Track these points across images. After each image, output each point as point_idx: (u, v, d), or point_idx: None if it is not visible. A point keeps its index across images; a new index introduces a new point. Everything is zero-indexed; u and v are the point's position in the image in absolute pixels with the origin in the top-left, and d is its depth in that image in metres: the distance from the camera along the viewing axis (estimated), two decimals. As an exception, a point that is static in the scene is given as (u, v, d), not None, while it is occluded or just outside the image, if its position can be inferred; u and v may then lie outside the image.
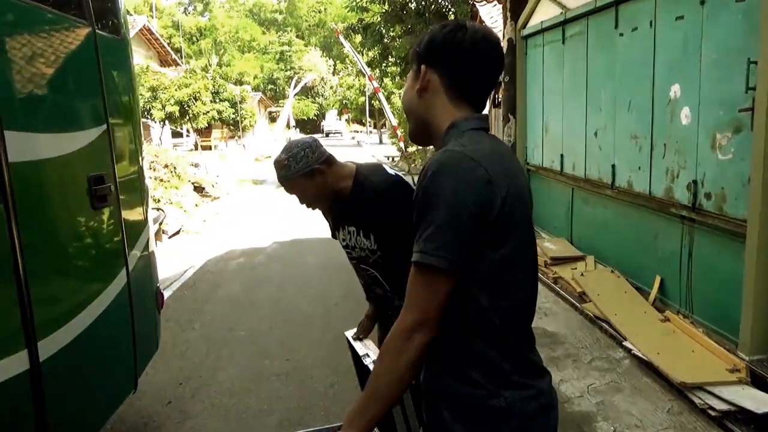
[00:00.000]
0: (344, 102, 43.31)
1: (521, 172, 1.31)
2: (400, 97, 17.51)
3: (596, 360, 3.93)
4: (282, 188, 2.10)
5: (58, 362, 2.03)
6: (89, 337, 2.26)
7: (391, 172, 2.07)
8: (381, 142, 32.97)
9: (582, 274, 5.08)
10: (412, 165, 15.82)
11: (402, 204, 1.93)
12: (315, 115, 50.79)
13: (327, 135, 46.93)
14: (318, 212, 2.24)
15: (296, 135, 41.20)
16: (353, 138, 43.14)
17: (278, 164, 1.98)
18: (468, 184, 1.12)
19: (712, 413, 3.07)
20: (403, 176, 2.08)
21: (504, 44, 7.20)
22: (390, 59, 16.54)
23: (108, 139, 2.50)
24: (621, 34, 4.83)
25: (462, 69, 1.25)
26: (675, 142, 4.06)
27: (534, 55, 6.99)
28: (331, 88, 50.83)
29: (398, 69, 16.25)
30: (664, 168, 4.23)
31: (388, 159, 21.35)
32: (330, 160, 2.01)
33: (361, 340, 2.20)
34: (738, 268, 3.46)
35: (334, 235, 2.21)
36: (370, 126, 39.62)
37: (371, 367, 2.01)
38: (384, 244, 2.00)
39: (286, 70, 49.58)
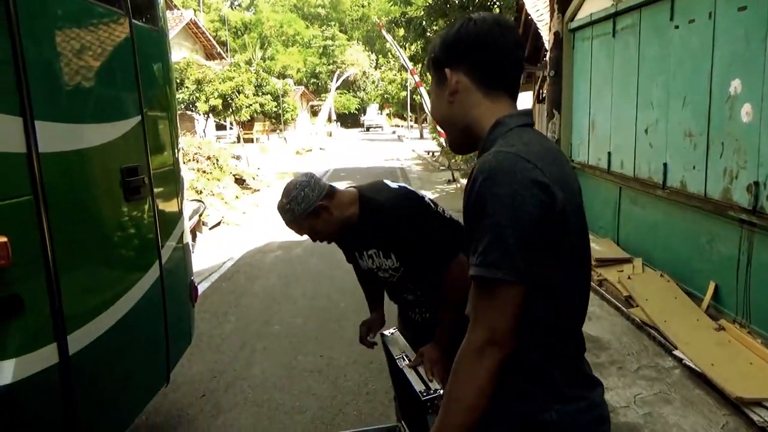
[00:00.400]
0: (385, 96, 43.26)
1: (574, 174, 1.20)
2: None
3: (643, 368, 3.73)
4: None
5: (88, 356, 2.01)
6: (120, 331, 2.24)
7: (394, 185, 2.02)
8: (422, 137, 32.78)
9: (629, 277, 4.86)
10: (452, 160, 15.59)
11: (413, 216, 1.91)
12: (356, 109, 50.95)
13: (368, 129, 47.03)
14: None
15: (337, 129, 41.39)
16: (394, 132, 43.08)
17: (281, 210, 1.96)
18: (525, 187, 1.03)
19: (772, 433, 2.86)
20: (407, 186, 2.05)
21: (550, 38, 6.96)
22: (432, 53, 16.36)
23: (142, 130, 2.47)
24: (676, 27, 4.57)
25: (484, 58, 1.19)
26: (734, 141, 3.81)
27: (582, 49, 6.73)
28: (373, 82, 50.86)
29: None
30: (721, 168, 3.98)
31: (428, 153, 21.19)
32: (330, 192, 1.98)
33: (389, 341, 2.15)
34: (803, 276, 3.22)
35: (349, 260, 2.21)
36: (410, 121, 39.43)
37: (406, 370, 1.92)
38: (405, 259, 1.96)
39: (329, 64, 49.80)
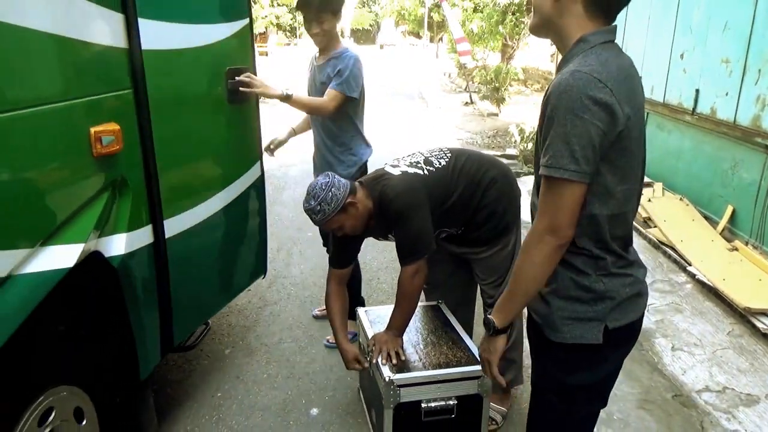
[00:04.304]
0: (401, 13, 41.70)
1: (641, 88, 1.37)
2: (464, 9, 16.72)
3: (657, 282, 3.99)
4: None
5: (185, 240, 2.23)
6: (218, 222, 2.47)
7: (396, 179, 2.20)
8: (437, 56, 31.96)
9: (649, 200, 5.04)
10: (469, 82, 15.30)
11: (419, 208, 2.13)
12: (370, 25, 49.29)
13: (381, 47, 45.66)
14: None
15: (351, 44, 40.15)
16: (409, 51, 41.87)
17: (311, 212, 2.13)
18: (593, 105, 1.19)
19: (775, 339, 3.13)
20: (414, 173, 2.23)
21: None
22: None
23: (250, 32, 2.56)
24: (724, -53, 4.48)
25: None
26: (772, 67, 3.87)
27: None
28: (388, -4, 48.81)
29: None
30: (755, 95, 4.06)
31: (445, 75, 20.83)
32: (353, 188, 2.17)
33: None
34: (821, 201, 3.39)
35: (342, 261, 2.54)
36: (426, 39, 38.28)
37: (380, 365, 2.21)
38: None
39: (344, -24, 47.55)
